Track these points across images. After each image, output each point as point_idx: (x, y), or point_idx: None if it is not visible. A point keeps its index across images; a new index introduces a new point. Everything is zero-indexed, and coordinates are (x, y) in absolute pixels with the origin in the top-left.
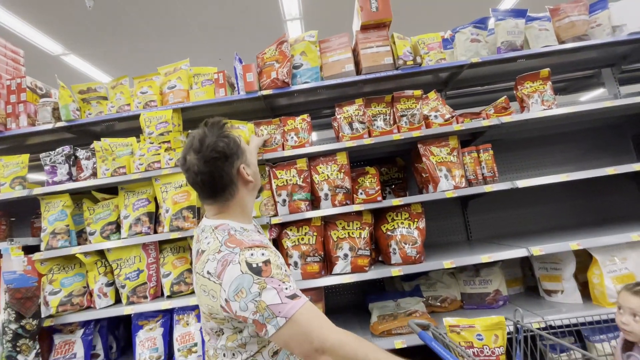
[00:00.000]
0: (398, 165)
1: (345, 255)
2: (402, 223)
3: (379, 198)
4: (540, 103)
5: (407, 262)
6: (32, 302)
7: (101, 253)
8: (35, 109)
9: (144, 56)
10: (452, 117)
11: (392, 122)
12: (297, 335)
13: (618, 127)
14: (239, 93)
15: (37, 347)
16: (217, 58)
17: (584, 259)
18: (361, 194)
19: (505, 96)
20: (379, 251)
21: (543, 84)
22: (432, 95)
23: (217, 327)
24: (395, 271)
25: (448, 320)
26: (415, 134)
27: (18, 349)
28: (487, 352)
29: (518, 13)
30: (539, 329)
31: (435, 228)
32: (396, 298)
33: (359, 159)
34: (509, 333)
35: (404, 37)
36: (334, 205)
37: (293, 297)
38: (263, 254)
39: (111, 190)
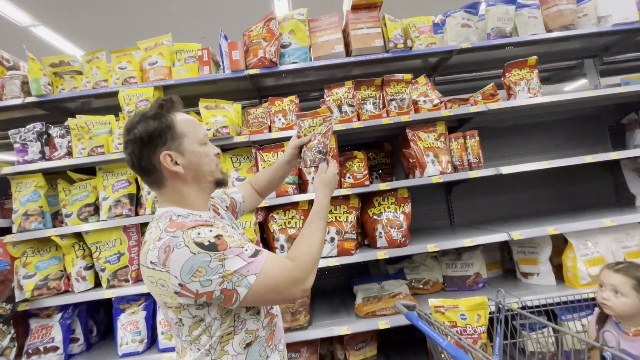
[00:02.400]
0: (385, 150)
1: (332, 239)
2: (389, 207)
3: (367, 182)
4: (527, 91)
5: (393, 245)
6: (5, 286)
7: (78, 236)
8: (1, 82)
9: (121, 31)
10: (441, 102)
11: (381, 106)
12: (269, 284)
13: (596, 117)
14: (224, 72)
15: (12, 331)
16: (200, 37)
17: (559, 244)
18: (349, 178)
19: (493, 83)
20: (365, 235)
21: (530, 71)
22: (422, 80)
23: (176, 317)
24: (381, 254)
25: (433, 301)
26: (404, 118)
27: None
28: (470, 331)
29: (508, 0)
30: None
31: (420, 213)
32: (380, 281)
33: (348, 144)
34: (490, 313)
35: (395, 20)
36: None
37: (255, 254)
38: (211, 230)
39: (88, 170)
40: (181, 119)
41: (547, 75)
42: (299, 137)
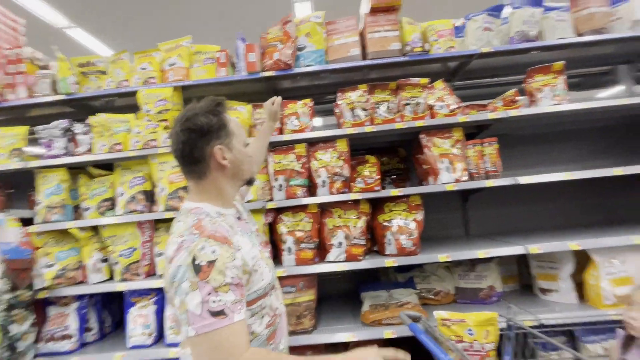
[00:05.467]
0: (400, 155)
1: (340, 244)
2: (400, 214)
3: (377, 188)
4: (551, 97)
5: (402, 253)
6: (26, 274)
7: (96, 229)
8: (34, 80)
9: (150, 32)
10: (458, 107)
11: (395, 111)
12: (202, 351)
13: (629, 127)
14: (240, 73)
15: (33, 317)
16: (222, 38)
17: (581, 260)
18: (359, 182)
19: (515, 89)
20: (374, 241)
21: (555, 77)
22: (439, 84)
23: (177, 315)
24: (389, 262)
25: (439, 314)
26: (419, 123)
27: (12, 319)
28: (477, 347)
29: (536, 2)
30: (531, 327)
31: (434, 221)
32: (389, 288)
33: (361, 147)
34: (501, 329)
35: (414, 23)
36: (331, 193)
37: (217, 314)
38: (214, 252)
39: (107, 166)
40: (232, 119)
41: (577, 81)
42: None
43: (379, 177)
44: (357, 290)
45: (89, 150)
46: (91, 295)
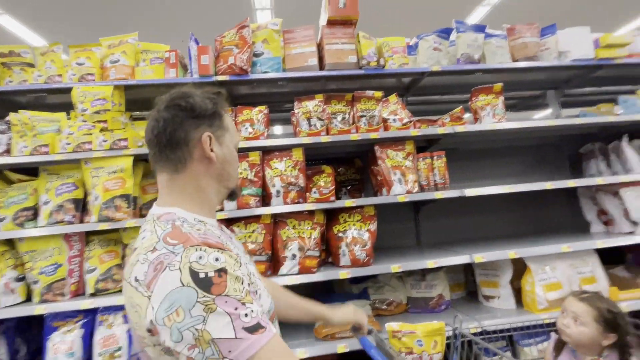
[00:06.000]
0: (356, 166)
1: (294, 256)
2: (354, 225)
3: (332, 198)
4: (492, 116)
5: (356, 264)
6: None
7: (10, 243)
8: None
9: (94, 28)
10: (410, 121)
11: (351, 122)
12: None
13: (557, 146)
14: (192, 76)
15: None
16: (173, 40)
17: (520, 267)
18: (315, 192)
19: (462, 107)
20: (329, 252)
21: (496, 97)
22: (393, 98)
23: (153, 356)
24: (344, 273)
25: (391, 326)
26: (373, 135)
27: None
28: (426, 358)
29: (478, 28)
30: (474, 334)
31: (388, 231)
32: (343, 300)
33: (317, 157)
34: (447, 338)
35: (369, 38)
36: (286, 203)
37: (254, 329)
38: (217, 259)
39: (29, 171)
40: (228, 116)
41: (514, 102)
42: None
43: (334, 187)
44: None
45: (7, 152)
46: (1, 321)
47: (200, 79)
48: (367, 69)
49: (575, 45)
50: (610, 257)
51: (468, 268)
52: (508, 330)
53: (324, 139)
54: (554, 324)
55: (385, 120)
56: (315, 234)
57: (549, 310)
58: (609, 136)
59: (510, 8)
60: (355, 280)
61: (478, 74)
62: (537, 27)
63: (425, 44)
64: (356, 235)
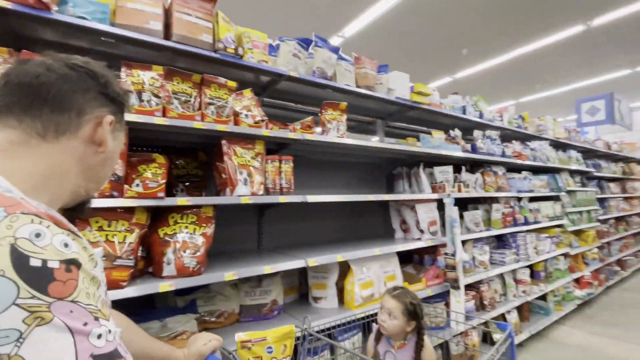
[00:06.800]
0: (199, 160)
1: None
2: (187, 227)
3: (161, 194)
4: (337, 130)
5: (183, 274)
6: None
7: None
8: None
9: None
10: (263, 121)
11: (196, 108)
12: None
13: (379, 165)
14: None
15: None
16: None
17: (344, 269)
18: (137, 185)
19: (312, 117)
20: (150, 260)
21: (341, 114)
22: (248, 93)
23: None
24: (165, 286)
25: (239, 336)
26: (221, 127)
27: None
28: None
29: (333, 48)
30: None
31: (229, 235)
32: (164, 317)
33: (151, 144)
34: (296, 339)
35: (230, 22)
36: None
37: (110, 358)
38: (67, 245)
39: None
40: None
41: (352, 125)
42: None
43: (164, 181)
44: None
45: None
46: None
47: None
48: (224, 55)
49: (398, 86)
50: (403, 258)
51: (303, 271)
52: (334, 328)
53: (159, 120)
54: (366, 317)
55: (237, 114)
56: (132, 237)
57: (363, 306)
58: (412, 163)
59: (358, 46)
60: (183, 292)
61: (329, 90)
62: (376, 63)
63: (286, 47)
64: (188, 240)
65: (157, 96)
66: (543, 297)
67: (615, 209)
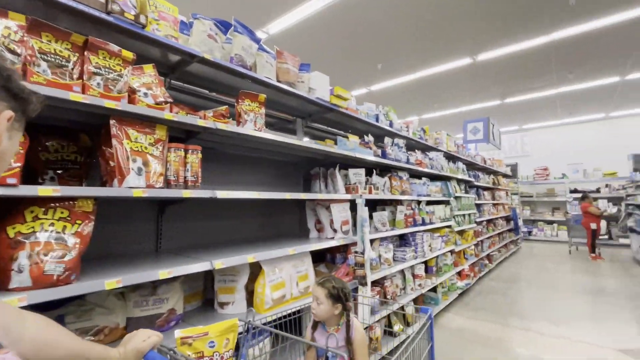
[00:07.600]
0: (81, 143)
1: None
2: (52, 225)
3: (13, 181)
4: (254, 123)
5: (43, 284)
6: None
7: None
8: None
9: None
10: (167, 103)
11: (76, 76)
12: None
13: (297, 164)
14: None
15: None
16: None
17: (255, 270)
18: None
19: (227, 107)
20: None
21: (259, 107)
22: (150, 69)
23: None
24: (13, 300)
25: (179, 333)
26: (109, 104)
27: None
28: (217, 359)
29: (254, 37)
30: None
31: (121, 235)
32: None
33: None
34: (239, 333)
35: None
36: None
37: None
38: None
39: None
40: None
41: (272, 121)
42: None
43: (21, 164)
44: None
45: None
46: None
47: None
48: (118, 19)
49: (319, 86)
50: (316, 257)
51: (208, 275)
52: (240, 333)
53: None
54: (274, 321)
55: (133, 92)
56: None
57: (273, 309)
58: (329, 164)
59: (281, 46)
60: (49, 306)
61: (248, 81)
62: (298, 60)
63: (201, 27)
64: (53, 240)
65: (14, 53)
66: (434, 289)
67: (487, 212)
